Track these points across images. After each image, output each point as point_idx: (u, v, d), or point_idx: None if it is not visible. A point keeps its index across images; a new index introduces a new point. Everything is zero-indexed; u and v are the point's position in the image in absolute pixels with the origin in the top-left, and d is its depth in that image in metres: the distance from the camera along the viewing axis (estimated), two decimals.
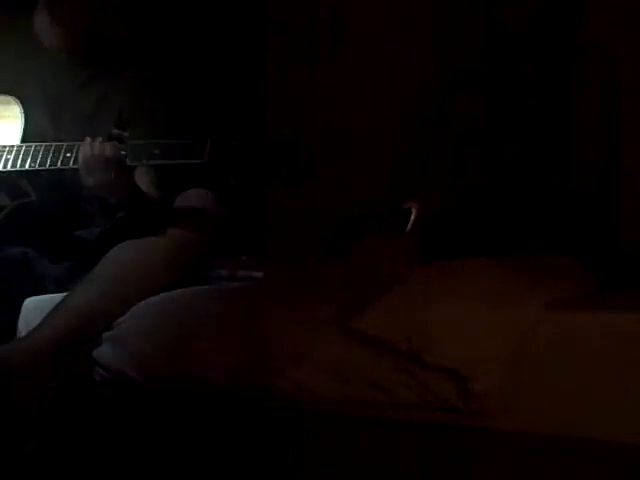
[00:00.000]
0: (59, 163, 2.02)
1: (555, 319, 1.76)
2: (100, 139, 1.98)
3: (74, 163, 2.00)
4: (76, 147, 2.00)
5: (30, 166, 2.04)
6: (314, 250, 2.43)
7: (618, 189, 2.36)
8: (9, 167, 2.07)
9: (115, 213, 2.06)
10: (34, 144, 2.06)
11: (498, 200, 2.23)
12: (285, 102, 3.25)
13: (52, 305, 2.03)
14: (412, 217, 2.24)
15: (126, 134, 1.99)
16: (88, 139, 1.99)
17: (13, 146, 2.09)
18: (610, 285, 2.05)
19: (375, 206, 2.40)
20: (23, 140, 2.14)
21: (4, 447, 1.93)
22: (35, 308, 2.09)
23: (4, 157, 2.07)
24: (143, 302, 2.06)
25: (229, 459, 1.94)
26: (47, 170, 2.04)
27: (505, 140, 2.37)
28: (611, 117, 2.28)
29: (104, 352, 2.04)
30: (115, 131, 2.01)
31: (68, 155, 2.01)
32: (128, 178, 2.03)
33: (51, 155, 2.02)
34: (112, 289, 2.05)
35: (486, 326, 1.74)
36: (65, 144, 2.03)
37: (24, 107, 2.17)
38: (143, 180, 2.15)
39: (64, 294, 2.06)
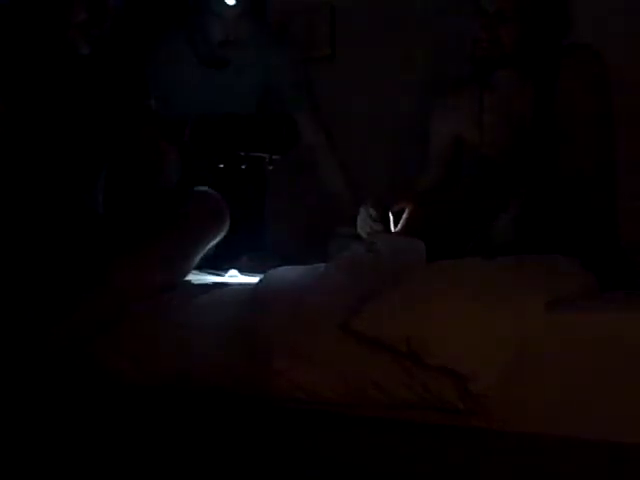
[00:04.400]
0: None
1: (555, 319, 1.76)
2: None
3: None
4: None
5: None
6: (314, 250, 2.44)
7: (616, 189, 2.36)
8: None
9: None
10: None
11: (497, 201, 2.23)
12: None
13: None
14: (404, 216, 2.24)
15: None
16: None
17: None
18: (610, 285, 2.05)
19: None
20: None
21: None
22: None
23: None
24: (143, 303, 2.07)
25: (229, 459, 1.95)
26: None
27: (502, 140, 2.38)
28: (601, 115, 2.28)
29: (104, 352, 2.04)
30: None
31: None
32: None
33: None
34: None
35: (486, 326, 1.74)
36: None
37: None
38: None
39: None
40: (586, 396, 1.68)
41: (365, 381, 1.80)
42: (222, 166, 2.02)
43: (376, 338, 1.78)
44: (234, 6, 2.63)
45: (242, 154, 2.00)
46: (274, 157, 2.00)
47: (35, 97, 2.14)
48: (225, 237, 2.27)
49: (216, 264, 2.50)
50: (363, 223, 2.32)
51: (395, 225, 2.29)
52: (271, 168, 2.02)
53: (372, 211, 2.32)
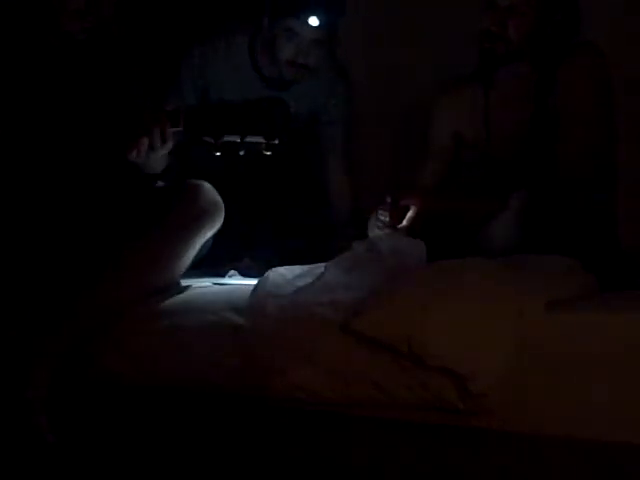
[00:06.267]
0: None
1: (555, 319, 1.76)
2: None
3: None
4: None
5: None
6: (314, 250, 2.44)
7: (616, 188, 2.37)
8: None
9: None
10: None
11: (498, 200, 2.23)
12: None
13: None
14: (409, 214, 2.24)
15: None
16: None
17: None
18: (610, 286, 2.04)
19: (374, 205, 2.40)
20: None
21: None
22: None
23: None
24: (142, 304, 2.07)
25: (229, 459, 1.95)
26: None
27: (506, 138, 2.38)
28: (601, 113, 2.29)
29: (104, 352, 2.04)
30: None
31: None
32: None
33: None
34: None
35: (486, 326, 1.74)
36: None
37: None
38: None
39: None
40: (586, 396, 1.68)
41: (365, 381, 1.80)
42: (219, 154, 2.00)
43: (376, 338, 1.78)
44: (314, 28, 2.56)
45: (237, 141, 1.99)
46: (271, 142, 1.99)
47: (28, 86, 2.15)
48: (225, 237, 2.27)
49: (216, 265, 2.50)
50: (373, 224, 2.32)
51: (400, 220, 2.28)
52: (268, 154, 2.00)
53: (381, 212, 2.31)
